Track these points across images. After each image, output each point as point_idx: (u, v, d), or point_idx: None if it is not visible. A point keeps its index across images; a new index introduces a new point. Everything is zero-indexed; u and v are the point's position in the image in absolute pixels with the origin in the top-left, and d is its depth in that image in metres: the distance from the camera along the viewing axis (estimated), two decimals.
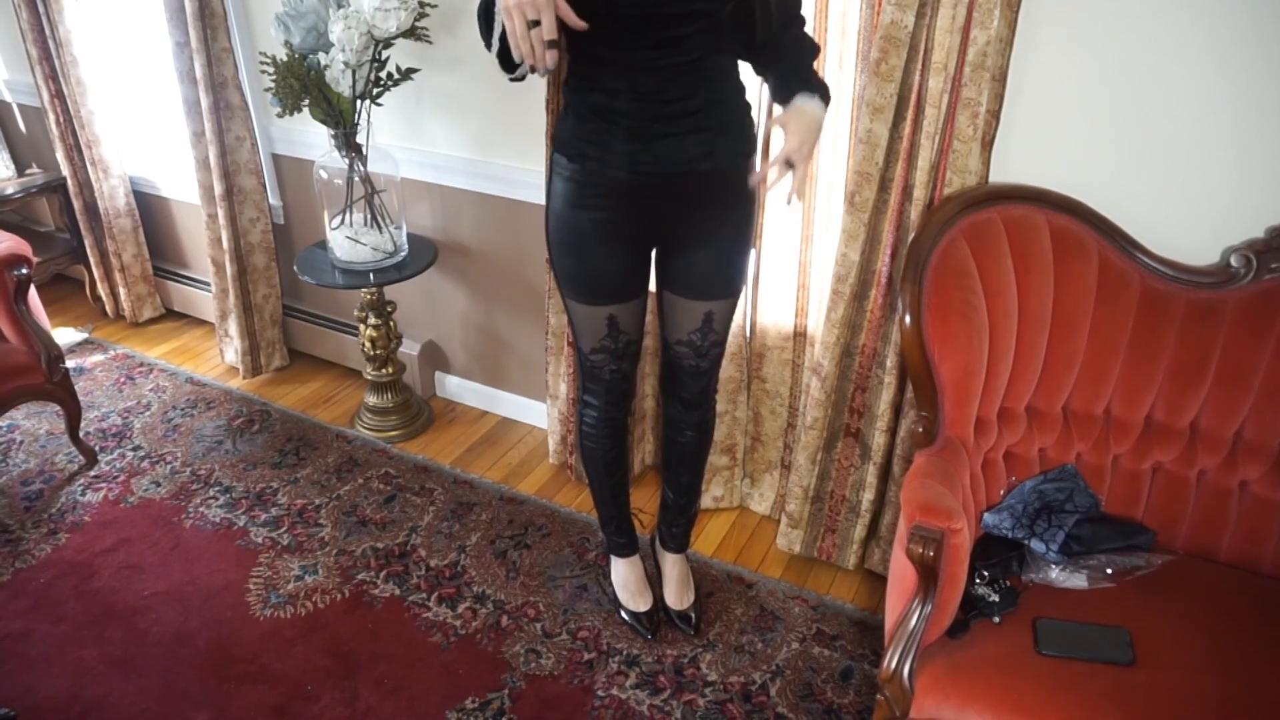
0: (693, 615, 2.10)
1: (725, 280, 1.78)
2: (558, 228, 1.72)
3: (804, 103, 1.55)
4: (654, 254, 1.80)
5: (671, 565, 2.15)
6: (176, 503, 2.51)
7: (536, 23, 1.32)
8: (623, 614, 2.12)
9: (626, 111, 1.55)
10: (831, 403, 2.12)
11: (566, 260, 1.73)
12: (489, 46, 1.46)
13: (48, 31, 3.04)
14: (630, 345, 1.85)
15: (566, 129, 1.64)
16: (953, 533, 1.41)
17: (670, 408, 1.99)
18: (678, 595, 2.13)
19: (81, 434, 2.66)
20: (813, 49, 1.65)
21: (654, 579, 2.19)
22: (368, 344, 2.71)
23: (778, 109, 1.62)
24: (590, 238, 1.68)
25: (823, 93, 1.59)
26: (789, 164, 1.51)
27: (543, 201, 2.37)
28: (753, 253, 2.09)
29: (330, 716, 1.89)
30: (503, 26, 1.37)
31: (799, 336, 2.26)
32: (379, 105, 2.41)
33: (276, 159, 2.96)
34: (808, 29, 1.67)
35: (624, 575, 2.14)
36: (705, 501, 2.43)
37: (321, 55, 2.23)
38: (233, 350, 3.18)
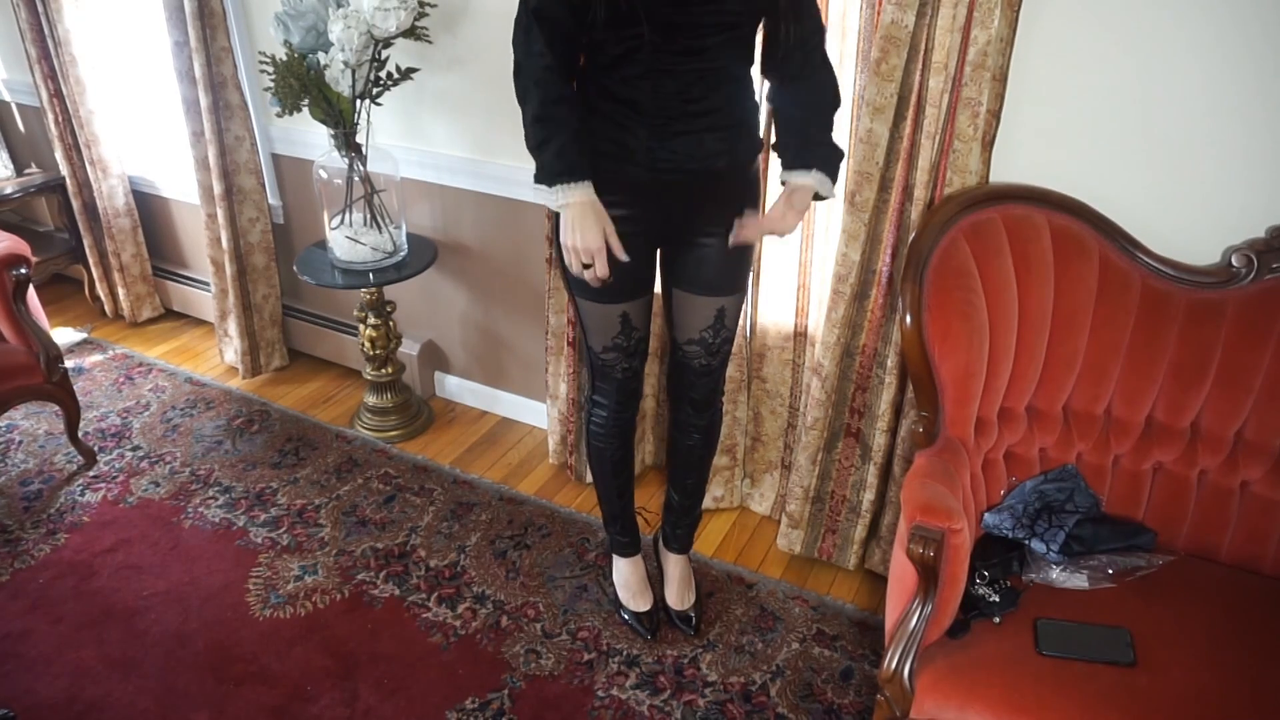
0: (693, 616, 2.10)
1: (736, 275, 1.79)
2: None
3: (802, 179, 1.61)
4: (661, 253, 1.81)
5: (674, 565, 2.15)
6: (176, 503, 2.51)
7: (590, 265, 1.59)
8: (623, 614, 2.12)
9: (648, 110, 1.56)
10: (832, 403, 2.11)
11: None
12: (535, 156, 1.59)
13: (46, 31, 3.04)
14: (641, 342, 1.85)
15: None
16: (953, 533, 1.41)
17: (678, 411, 1.99)
18: (679, 595, 2.13)
19: (80, 434, 2.66)
20: (834, 99, 1.64)
21: (655, 579, 2.19)
22: (367, 344, 2.71)
23: (783, 174, 1.66)
24: None
25: (829, 162, 1.62)
26: (770, 230, 1.66)
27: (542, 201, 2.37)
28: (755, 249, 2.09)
29: (330, 716, 1.89)
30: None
31: (799, 336, 2.26)
32: (379, 105, 2.40)
33: (276, 159, 2.96)
34: None
35: (625, 574, 2.14)
36: (705, 501, 2.42)
37: (321, 55, 2.22)
38: (232, 350, 3.18)
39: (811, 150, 1.62)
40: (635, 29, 1.48)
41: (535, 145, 1.57)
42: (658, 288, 1.88)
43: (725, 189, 1.68)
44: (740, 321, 1.98)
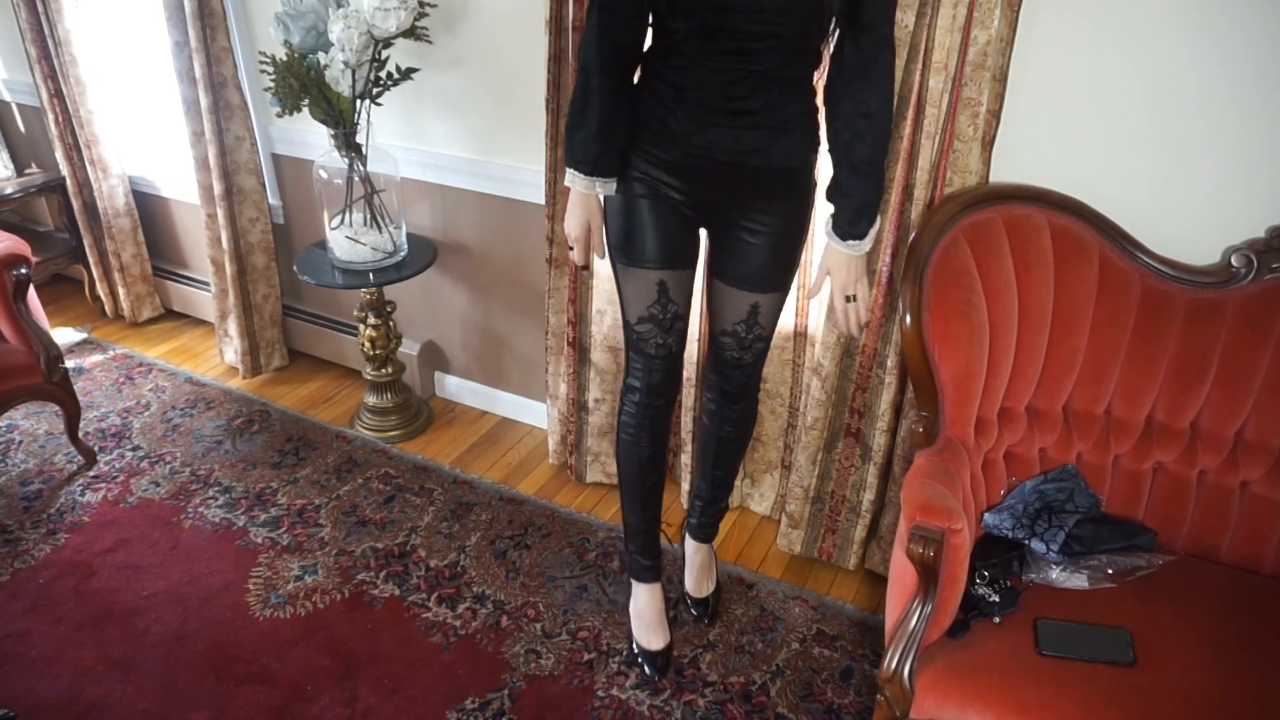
0: (710, 604, 2.10)
1: (772, 274, 1.75)
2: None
3: (839, 248, 1.66)
4: (706, 239, 1.82)
5: (695, 552, 2.15)
6: (176, 503, 2.51)
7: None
8: (634, 646, 2.02)
9: (689, 99, 1.59)
10: (832, 403, 2.12)
11: (617, 220, 1.74)
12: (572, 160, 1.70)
13: (47, 31, 3.03)
14: (678, 320, 1.80)
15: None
16: (953, 533, 1.41)
17: (710, 400, 1.98)
18: (698, 583, 2.13)
19: (81, 434, 2.66)
20: (878, 178, 1.63)
21: (668, 580, 2.18)
22: (367, 344, 2.71)
23: (823, 243, 1.71)
24: (642, 199, 1.70)
25: (864, 227, 1.64)
26: (847, 298, 1.71)
27: (542, 201, 2.38)
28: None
29: (330, 717, 1.89)
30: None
31: (799, 336, 2.26)
32: (379, 105, 2.40)
33: (276, 159, 2.96)
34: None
35: (642, 605, 2.02)
36: None
37: (321, 55, 2.22)
38: (232, 350, 3.18)
39: (862, 221, 1.64)
40: (682, 23, 1.52)
41: (569, 126, 1.67)
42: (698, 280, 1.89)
43: (763, 187, 1.66)
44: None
